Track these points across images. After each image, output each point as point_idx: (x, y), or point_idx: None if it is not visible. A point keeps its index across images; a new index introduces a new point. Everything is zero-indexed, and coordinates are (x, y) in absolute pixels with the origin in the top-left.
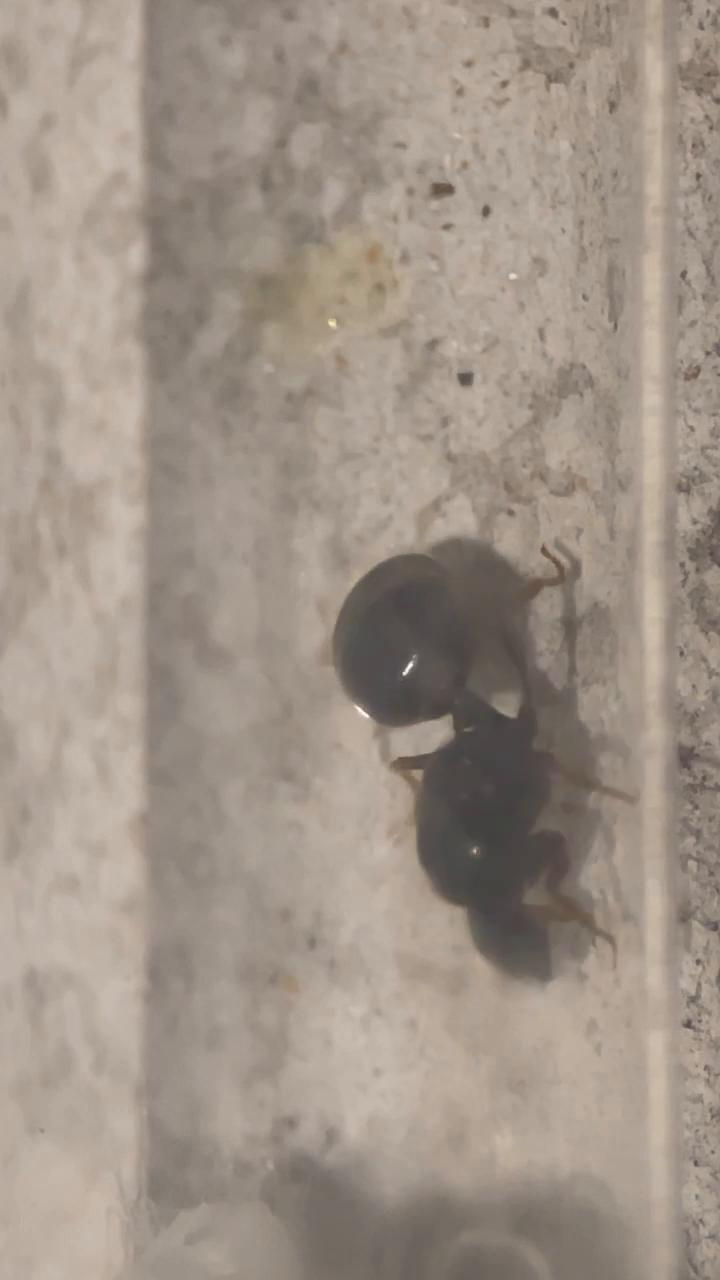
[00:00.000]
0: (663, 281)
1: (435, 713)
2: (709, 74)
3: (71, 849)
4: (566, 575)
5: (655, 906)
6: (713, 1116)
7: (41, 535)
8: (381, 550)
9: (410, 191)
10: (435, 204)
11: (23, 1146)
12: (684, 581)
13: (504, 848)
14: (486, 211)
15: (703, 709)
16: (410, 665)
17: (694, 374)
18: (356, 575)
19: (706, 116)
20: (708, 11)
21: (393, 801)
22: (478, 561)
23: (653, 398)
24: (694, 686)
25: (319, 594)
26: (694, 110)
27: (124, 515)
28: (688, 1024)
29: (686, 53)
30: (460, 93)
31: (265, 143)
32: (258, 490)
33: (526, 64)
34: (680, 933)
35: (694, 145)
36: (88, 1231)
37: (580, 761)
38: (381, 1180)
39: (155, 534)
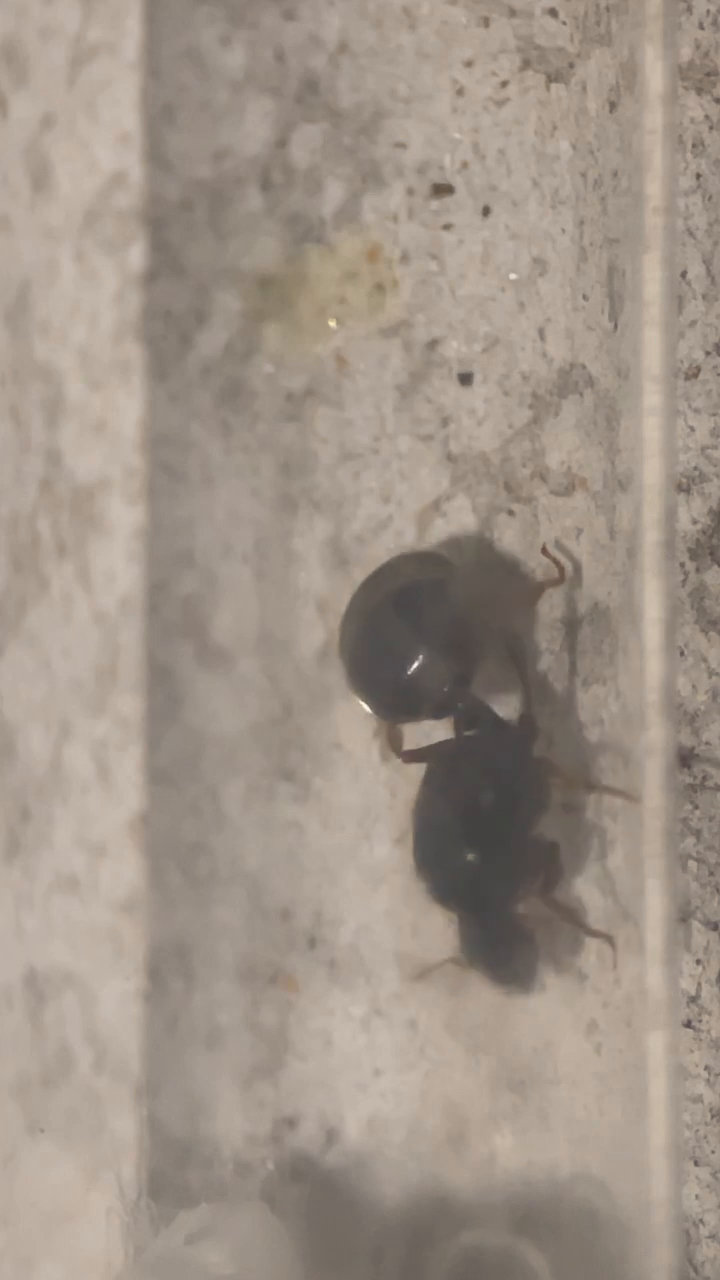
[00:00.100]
0: (663, 281)
1: (437, 713)
2: (709, 74)
3: (71, 849)
4: (567, 576)
5: (655, 906)
6: (713, 1116)
7: (41, 535)
8: (381, 550)
9: (410, 191)
10: (435, 204)
11: (23, 1146)
12: (684, 581)
13: (500, 854)
14: (486, 211)
15: (703, 709)
16: (412, 666)
17: (694, 374)
18: (357, 575)
19: (706, 116)
20: (708, 11)
21: (393, 801)
22: (478, 562)
23: (653, 398)
24: (694, 686)
25: (319, 594)
26: (694, 110)
27: (124, 515)
28: (688, 1024)
29: (686, 53)
30: (460, 93)
31: (265, 143)
32: (258, 490)
33: (526, 64)
34: (680, 933)
35: (694, 145)
36: (88, 1231)
37: (580, 765)
38: (381, 1180)
39: (155, 534)
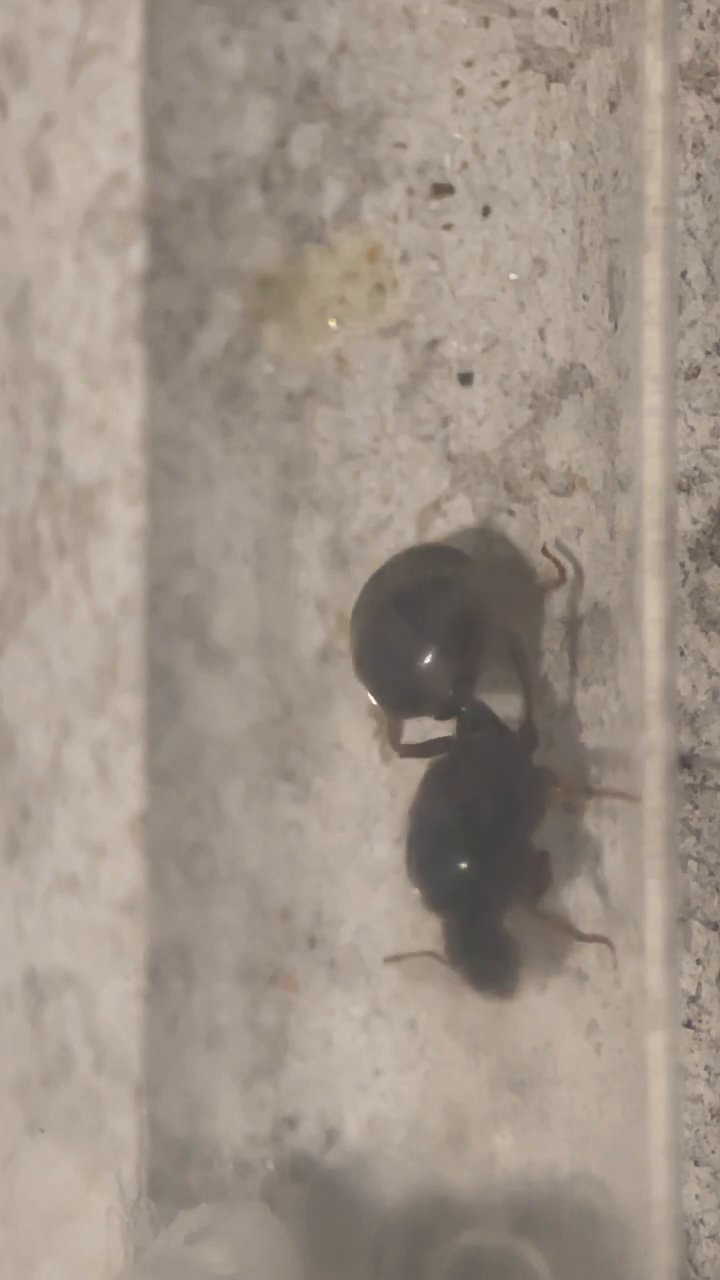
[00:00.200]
0: (663, 281)
1: (441, 714)
2: (709, 74)
3: (71, 849)
4: (568, 577)
5: (655, 906)
6: (713, 1116)
7: (41, 535)
8: (382, 550)
9: (410, 191)
10: (435, 204)
11: (23, 1146)
12: (684, 581)
13: (492, 863)
14: (486, 211)
15: (703, 709)
16: (418, 664)
17: (694, 374)
18: (357, 575)
19: (706, 116)
20: (708, 11)
21: (393, 801)
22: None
23: (653, 398)
24: (694, 686)
25: (319, 594)
26: (694, 110)
27: (124, 515)
28: (688, 1024)
29: (687, 53)
30: (460, 93)
31: (265, 143)
32: (258, 490)
33: (526, 64)
34: (680, 933)
35: (694, 145)
36: (88, 1231)
37: (579, 770)
38: (381, 1180)
39: (155, 534)
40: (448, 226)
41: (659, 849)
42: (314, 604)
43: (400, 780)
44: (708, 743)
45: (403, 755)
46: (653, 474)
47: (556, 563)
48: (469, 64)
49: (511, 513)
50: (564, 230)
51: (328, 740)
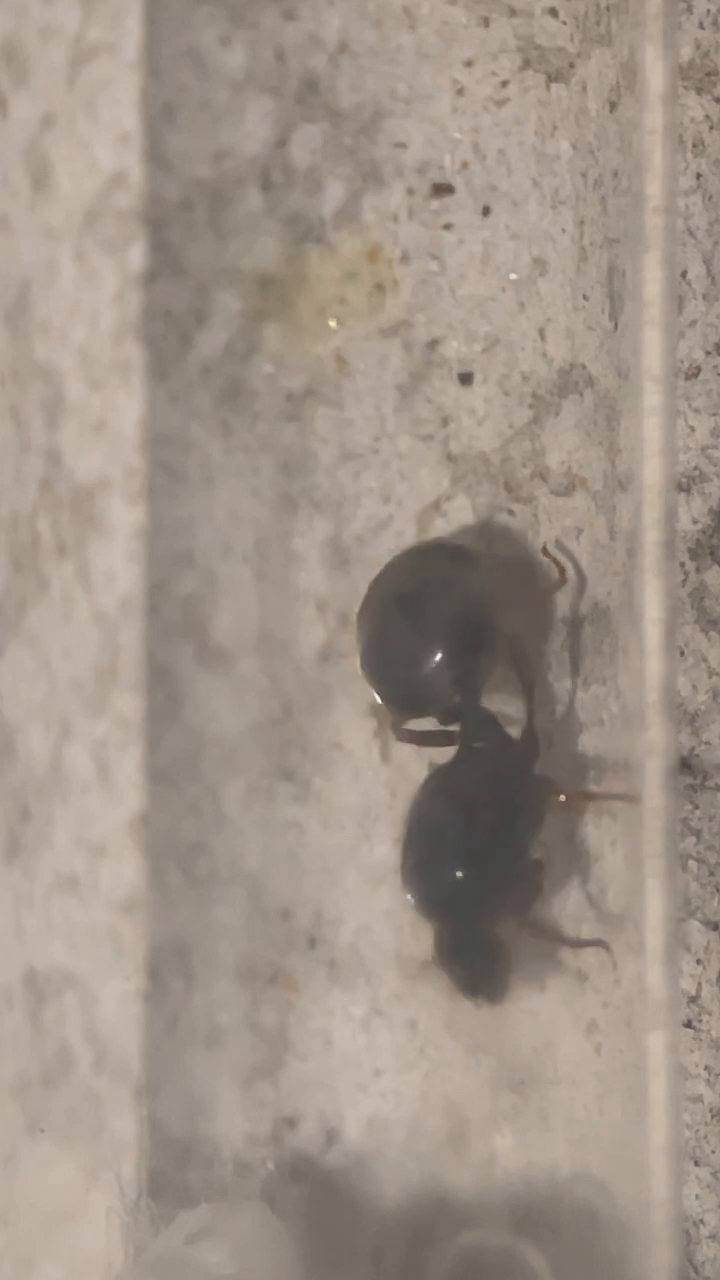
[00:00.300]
0: (663, 281)
1: (445, 717)
2: (709, 74)
3: (71, 849)
4: (568, 577)
5: (655, 906)
6: (713, 1116)
7: (41, 535)
8: (382, 550)
9: (410, 191)
10: (435, 204)
11: (23, 1146)
12: (684, 581)
13: (487, 872)
14: (486, 211)
15: (703, 709)
16: (424, 667)
17: (694, 374)
18: (357, 575)
19: (707, 116)
20: (708, 11)
21: (393, 801)
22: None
23: (653, 398)
24: (694, 686)
25: (319, 594)
26: (694, 110)
27: (124, 515)
28: (688, 1024)
29: (687, 52)
30: (460, 93)
31: (265, 143)
32: (258, 490)
33: (527, 64)
34: (680, 933)
35: (694, 145)
36: (88, 1231)
37: (578, 776)
38: (381, 1180)
39: (155, 534)
40: (448, 226)
41: (659, 849)
42: (314, 604)
43: (400, 780)
44: (708, 743)
45: (402, 740)
46: (653, 474)
47: (556, 563)
48: (469, 64)
49: (511, 513)
50: (564, 230)
51: (328, 740)
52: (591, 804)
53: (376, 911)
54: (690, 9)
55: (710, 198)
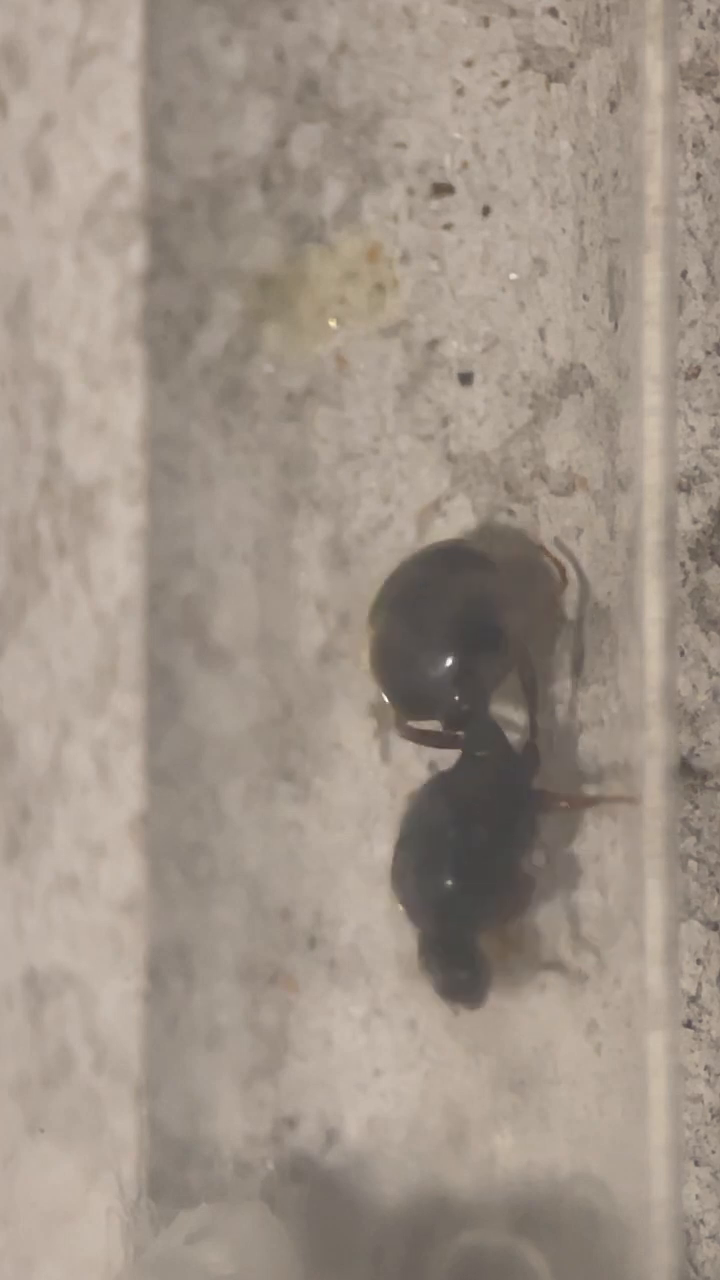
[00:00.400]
0: (663, 281)
1: (450, 722)
2: (709, 74)
3: (71, 849)
4: (569, 578)
5: (655, 906)
6: (713, 1116)
7: (41, 535)
8: (382, 550)
9: (410, 191)
10: (435, 204)
11: (23, 1146)
12: (684, 581)
13: (477, 883)
14: (486, 211)
15: (703, 709)
16: (431, 670)
17: (694, 374)
18: (357, 575)
19: (707, 116)
20: (708, 11)
21: (393, 801)
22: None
23: (653, 398)
24: (694, 686)
25: (319, 594)
26: (694, 110)
27: (124, 515)
28: (688, 1024)
29: (687, 52)
30: (460, 93)
31: (265, 143)
32: (258, 490)
33: (527, 64)
34: (680, 933)
35: (694, 145)
36: (88, 1231)
37: (578, 780)
38: (381, 1180)
39: (155, 534)
40: (448, 226)
41: (659, 849)
42: (314, 604)
43: (400, 780)
44: (708, 743)
45: (405, 737)
46: (653, 474)
47: (557, 563)
48: (469, 64)
49: (511, 513)
50: (564, 230)
51: (328, 740)
52: (594, 808)
53: (376, 911)
54: (690, 9)
55: (710, 198)
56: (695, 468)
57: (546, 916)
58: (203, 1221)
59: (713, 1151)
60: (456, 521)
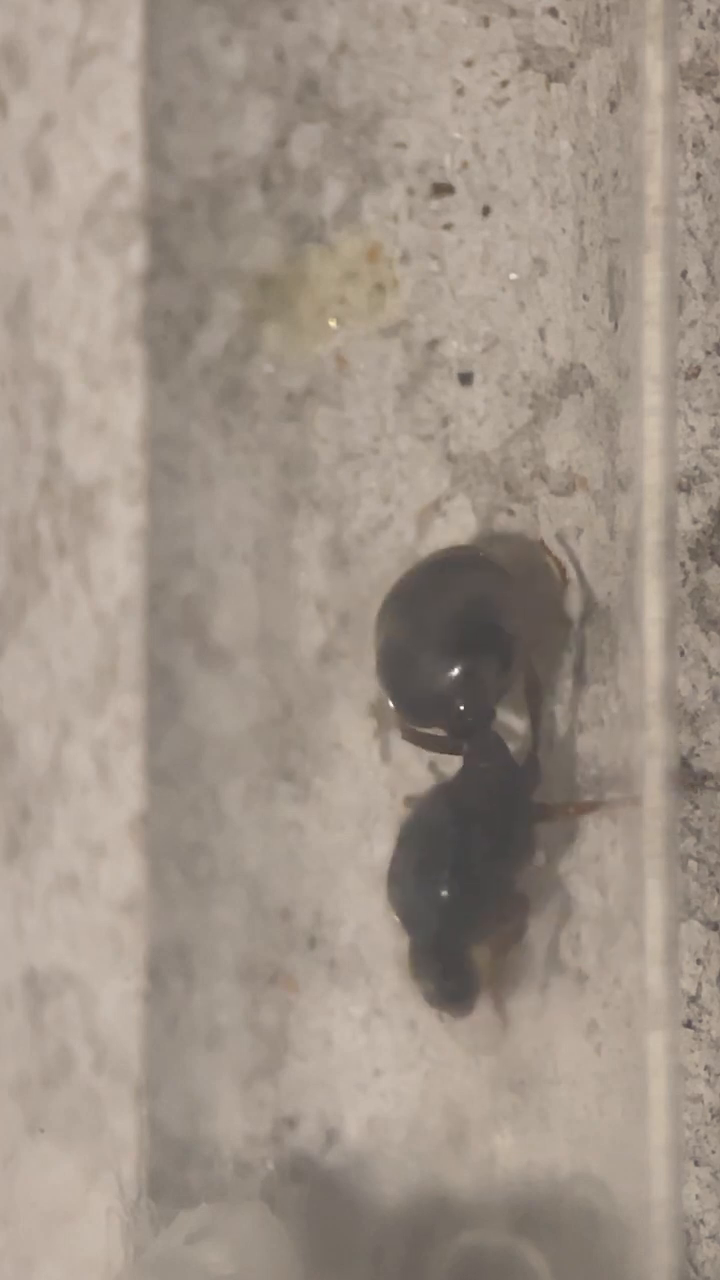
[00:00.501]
0: (663, 281)
1: (454, 733)
2: (709, 73)
3: (71, 849)
4: (569, 577)
5: (655, 906)
6: (713, 1116)
7: (41, 535)
8: (382, 550)
9: (410, 191)
10: (435, 204)
11: (23, 1146)
12: (684, 581)
13: (469, 896)
14: (487, 211)
15: (703, 709)
16: (437, 681)
17: (694, 374)
18: (357, 575)
19: (707, 116)
20: (708, 11)
21: (393, 801)
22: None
23: (653, 398)
24: (694, 686)
25: (319, 594)
26: (694, 110)
27: (124, 515)
28: (688, 1024)
29: (687, 52)
30: (460, 92)
31: (265, 143)
32: (258, 490)
33: (527, 64)
34: (680, 933)
35: (694, 145)
36: (88, 1231)
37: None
38: (381, 1180)
39: (155, 534)
40: (448, 226)
41: (659, 849)
42: (314, 604)
43: (400, 780)
44: (708, 743)
45: (407, 740)
46: (653, 474)
47: (557, 561)
48: (469, 64)
49: (511, 513)
50: (564, 230)
51: (328, 740)
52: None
53: (376, 911)
54: (690, 9)
55: (710, 198)
56: (695, 468)
57: (547, 916)
58: (203, 1221)
59: (713, 1151)
60: (456, 521)
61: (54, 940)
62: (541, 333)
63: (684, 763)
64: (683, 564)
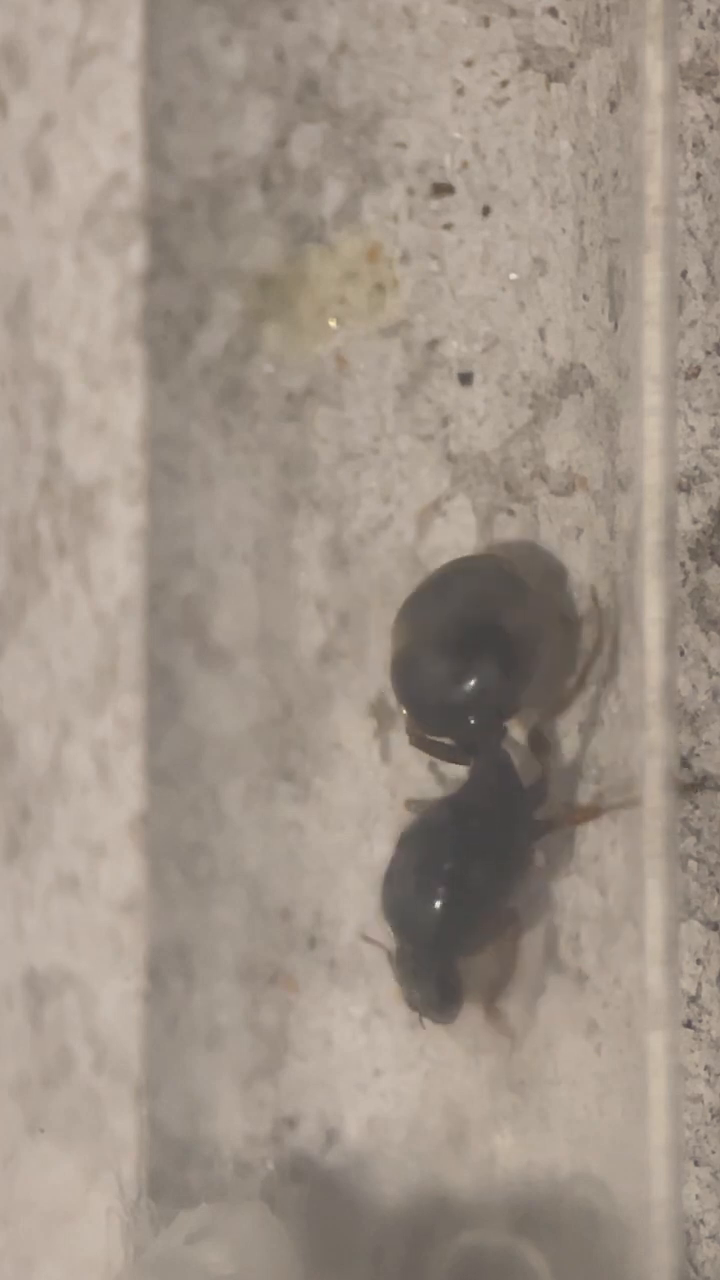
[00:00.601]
0: (663, 281)
1: (464, 745)
2: (709, 73)
3: (71, 849)
4: (603, 648)
5: (655, 906)
6: (713, 1116)
7: (41, 535)
8: (382, 550)
9: (410, 191)
10: (435, 204)
11: (23, 1146)
12: (684, 581)
13: (466, 909)
14: (487, 211)
15: (703, 709)
16: (452, 694)
17: (694, 374)
18: (357, 575)
19: (707, 116)
20: (708, 11)
21: (393, 801)
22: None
23: (653, 397)
24: (694, 686)
25: (319, 594)
26: (694, 110)
27: (124, 515)
28: (688, 1024)
29: (687, 52)
30: (460, 92)
31: (265, 143)
32: (258, 490)
33: (527, 63)
34: (680, 933)
35: (694, 145)
36: (88, 1231)
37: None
38: (381, 1180)
39: (155, 534)
40: (448, 226)
41: (659, 849)
42: (314, 604)
43: (400, 780)
44: (708, 743)
45: (414, 744)
46: (653, 474)
47: (597, 630)
48: (469, 64)
49: (511, 513)
50: (564, 230)
51: (328, 740)
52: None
53: (376, 911)
54: (690, 9)
55: (710, 198)
56: (695, 468)
57: (547, 916)
58: (203, 1221)
59: (713, 1151)
60: (456, 521)
61: (54, 940)
62: (541, 333)
63: (684, 763)
64: (683, 564)
